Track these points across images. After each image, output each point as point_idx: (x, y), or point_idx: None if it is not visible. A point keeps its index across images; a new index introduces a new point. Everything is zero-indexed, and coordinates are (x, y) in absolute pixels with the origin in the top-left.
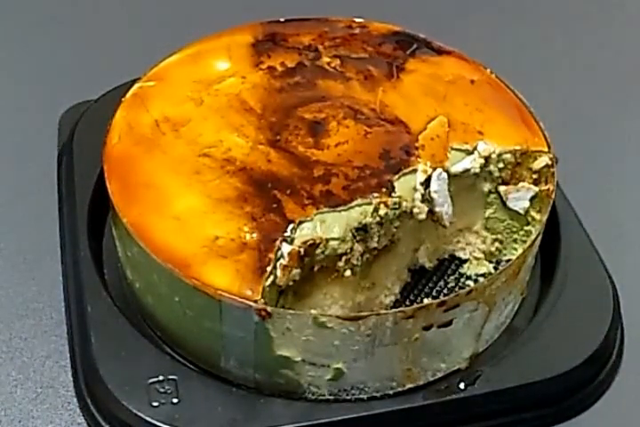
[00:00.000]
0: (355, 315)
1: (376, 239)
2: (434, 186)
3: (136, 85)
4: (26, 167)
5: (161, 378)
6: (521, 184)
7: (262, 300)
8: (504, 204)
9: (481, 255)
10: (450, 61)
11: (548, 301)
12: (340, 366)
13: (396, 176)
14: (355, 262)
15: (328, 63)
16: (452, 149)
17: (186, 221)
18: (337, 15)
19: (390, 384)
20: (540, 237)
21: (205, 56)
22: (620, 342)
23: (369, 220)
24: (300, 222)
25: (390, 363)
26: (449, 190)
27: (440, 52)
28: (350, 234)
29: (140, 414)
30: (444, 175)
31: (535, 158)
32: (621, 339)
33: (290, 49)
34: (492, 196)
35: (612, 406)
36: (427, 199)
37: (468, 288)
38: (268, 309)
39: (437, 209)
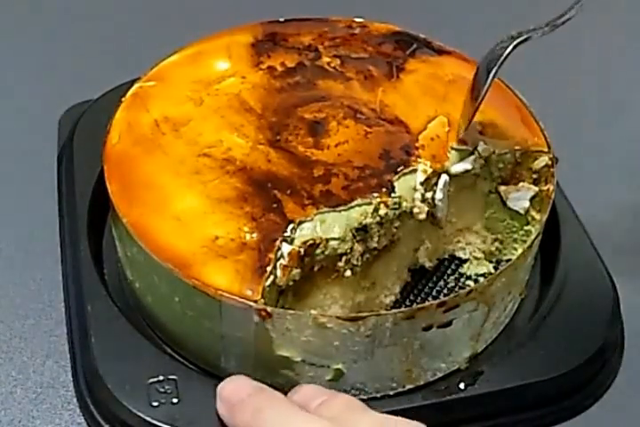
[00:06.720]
0: (354, 315)
1: (376, 239)
2: (439, 194)
3: (136, 85)
4: (26, 167)
5: (161, 378)
6: (521, 184)
7: (262, 300)
8: (504, 204)
9: (481, 255)
10: (450, 61)
11: (547, 301)
12: (339, 366)
13: (396, 176)
14: (355, 262)
15: (328, 63)
16: (452, 148)
17: (186, 222)
18: (337, 15)
19: (390, 385)
20: (539, 237)
21: (205, 56)
22: (620, 342)
23: (369, 220)
24: (300, 222)
25: (390, 364)
26: (448, 190)
27: (440, 52)
28: (350, 234)
29: (140, 414)
30: (447, 181)
31: (535, 158)
32: (621, 339)
33: (290, 49)
34: (492, 196)
35: (612, 406)
36: (429, 203)
37: (467, 288)
38: (268, 309)
39: (439, 214)
